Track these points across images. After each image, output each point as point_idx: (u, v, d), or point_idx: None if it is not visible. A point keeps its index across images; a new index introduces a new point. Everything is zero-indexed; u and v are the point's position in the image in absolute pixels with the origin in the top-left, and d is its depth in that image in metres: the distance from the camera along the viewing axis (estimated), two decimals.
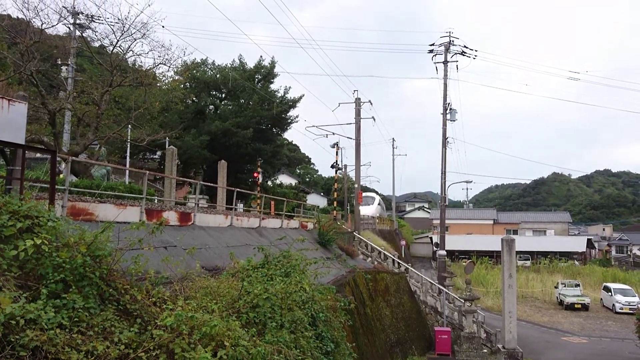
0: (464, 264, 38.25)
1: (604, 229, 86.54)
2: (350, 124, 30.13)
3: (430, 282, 25.41)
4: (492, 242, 49.68)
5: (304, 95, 39.74)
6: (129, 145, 25.73)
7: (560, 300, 35.76)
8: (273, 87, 35.44)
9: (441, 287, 24.38)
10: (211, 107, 34.81)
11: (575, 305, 34.06)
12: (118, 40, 16.99)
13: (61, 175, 13.52)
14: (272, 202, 23.93)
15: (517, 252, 26.49)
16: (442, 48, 32.98)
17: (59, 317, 4.12)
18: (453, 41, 32.90)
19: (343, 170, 50.90)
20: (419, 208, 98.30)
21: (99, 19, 19.36)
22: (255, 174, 29.73)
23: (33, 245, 4.47)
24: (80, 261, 4.68)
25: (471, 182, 72.08)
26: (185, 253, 7.96)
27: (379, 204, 47.68)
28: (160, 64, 18.16)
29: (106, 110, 17.68)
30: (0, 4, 33.06)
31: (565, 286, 36.67)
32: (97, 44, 20.84)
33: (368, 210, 43.97)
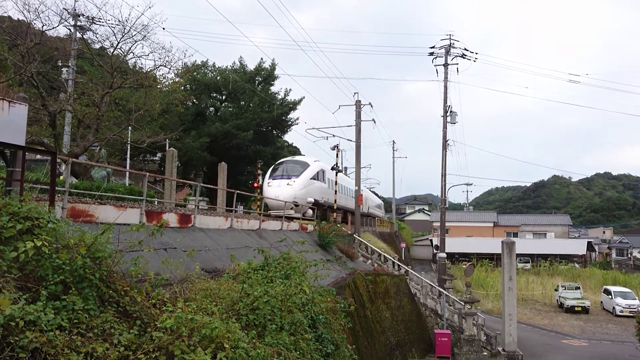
0: (464, 266, 38.21)
1: (604, 232, 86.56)
2: (351, 126, 30.11)
3: (430, 284, 25.36)
4: (492, 245, 49.77)
5: (304, 97, 39.91)
6: (129, 147, 25.76)
7: (561, 303, 35.73)
8: (273, 89, 35.56)
9: (441, 290, 24.36)
10: (211, 109, 34.87)
11: (576, 308, 34.03)
12: (119, 42, 17.04)
13: (61, 177, 13.51)
14: None
15: (517, 255, 26.53)
16: (443, 51, 32.99)
17: (58, 319, 4.12)
18: (453, 44, 32.93)
19: (343, 172, 50.90)
20: (419, 210, 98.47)
21: (99, 21, 19.39)
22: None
23: (33, 247, 4.47)
24: (80, 263, 4.68)
25: (471, 184, 72.47)
26: (185, 255, 7.95)
27: (313, 178, 25.24)
28: (160, 66, 18.21)
29: (106, 112, 17.70)
30: (1, 6, 33.11)
31: (565, 289, 36.66)
32: (97, 46, 20.90)
33: (283, 190, 23.16)
